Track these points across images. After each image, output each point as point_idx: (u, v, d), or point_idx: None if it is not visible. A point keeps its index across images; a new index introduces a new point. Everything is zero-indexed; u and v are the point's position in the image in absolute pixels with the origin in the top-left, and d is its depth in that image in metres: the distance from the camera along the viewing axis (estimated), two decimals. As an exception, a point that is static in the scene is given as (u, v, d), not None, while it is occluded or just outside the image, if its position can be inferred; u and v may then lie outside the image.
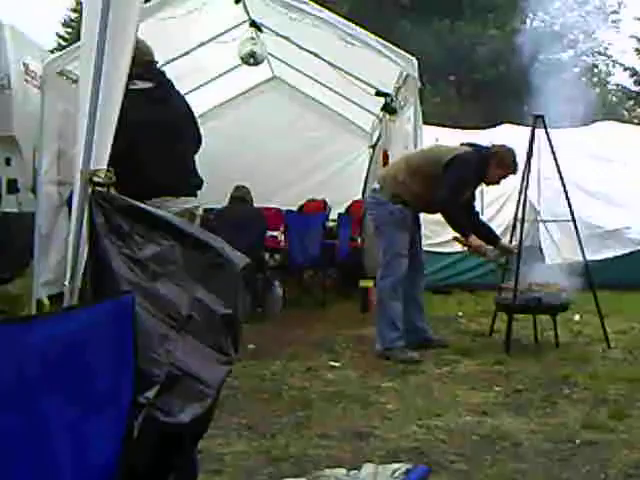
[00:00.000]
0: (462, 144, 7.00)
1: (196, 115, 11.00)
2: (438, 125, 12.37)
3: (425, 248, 9.28)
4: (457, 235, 6.86)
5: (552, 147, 7.24)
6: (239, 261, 3.21)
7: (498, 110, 20.26)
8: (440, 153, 6.88)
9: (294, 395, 5.39)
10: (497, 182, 7.01)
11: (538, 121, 7.32)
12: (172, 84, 5.75)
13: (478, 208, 7.48)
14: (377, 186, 7.00)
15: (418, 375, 5.97)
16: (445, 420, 4.82)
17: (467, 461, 4.08)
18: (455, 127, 12.73)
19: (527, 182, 7.31)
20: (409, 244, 6.74)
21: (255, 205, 10.44)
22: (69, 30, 30.53)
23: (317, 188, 11.68)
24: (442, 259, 10.33)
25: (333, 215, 11.15)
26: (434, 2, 23.28)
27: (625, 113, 27.17)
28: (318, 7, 7.83)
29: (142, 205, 3.26)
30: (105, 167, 3.23)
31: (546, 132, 7.25)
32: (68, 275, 3.20)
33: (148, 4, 7.78)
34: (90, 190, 3.14)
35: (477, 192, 7.35)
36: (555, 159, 7.26)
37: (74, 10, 31.17)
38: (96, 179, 3.16)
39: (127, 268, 3.03)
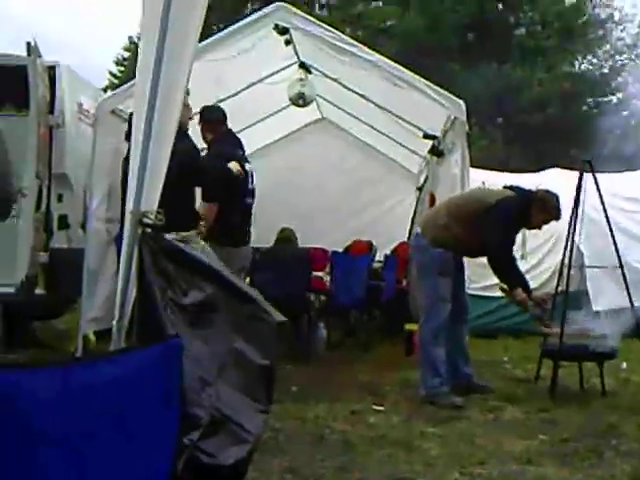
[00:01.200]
0: (505, 187, 6.97)
1: (246, 154, 11.24)
2: (485, 168, 12.31)
3: (470, 292, 9.24)
4: (504, 286, 6.80)
5: (600, 192, 7.18)
6: (276, 316, 3.26)
7: (546, 153, 20.16)
8: (483, 196, 6.86)
9: (337, 439, 5.35)
10: (539, 227, 6.97)
11: (586, 166, 7.28)
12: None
13: (518, 254, 7.42)
14: (419, 230, 6.99)
15: (462, 421, 5.90)
16: (488, 468, 4.74)
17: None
18: (502, 170, 12.66)
19: (574, 227, 7.25)
20: (452, 289, 6.69)
21: (301, 246, 10.51)
22: (122, 69, 31.08)
23: (363, 229, 11.66)
24: (487, 303, 10.23)
25: (379, 257, 11.15)
26: (483, 45, 23.38)
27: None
28: (367, 50, 7.90)
29: (188, 249, 3.30)
30: (155, 208, 3.27)
31: (594, 177, 7.20)
32: (116, 313, 3.23)
33: (199, 45, 7.91)
34: (140, 231, 3.18)
35: (518, 237, 7.29)
36: (602, 204, 7.20)
37: (127, 49, 31.76)
38: (146, 220, 3.20)
39: (171, 312, 3.06)
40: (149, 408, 2.08)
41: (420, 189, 11.77)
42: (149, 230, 3.18)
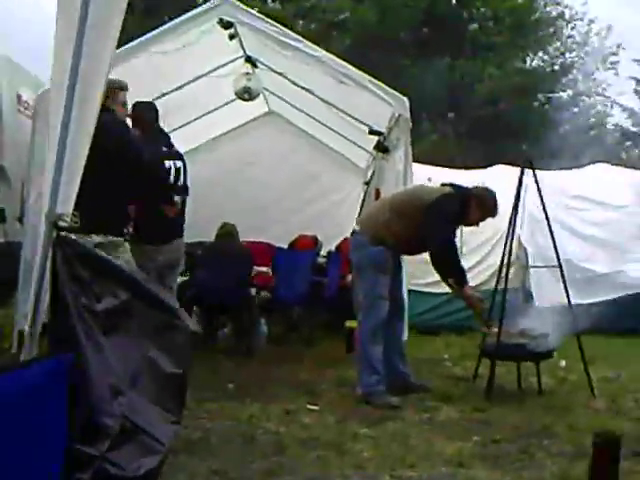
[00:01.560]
0: (443, 184, 6.98)
1: (191, 148, 11.10)
2: (434, 164, 12.35)
3: (413, 288, 9.32)
4: (451, 281, 6.77)
5: (539, 190, 7.21)
6: (192, 325, 3.22)
7: (496, 150, 20.27)
8: (422, 194, 6.85)
9: (269, 439, 5.31)
10: (476, 224, 6.99)
11: (527, 163, 7.30)
12: None
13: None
14: (357, 228, 6.97)
15: (396, 422, 5.88)
16: (419, 471, 4.74)
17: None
18: (451, 167, 12.69)
19: (514, 225, 7.26)
20: (390, 287, 6.67)
21: (246, 239, 10.44)
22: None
23: (309, 224, 11.60)
24: (430, 299, 10.28)
25: (324, 251, 11.13)
26: (435, 39, 23.41)
27: (624, 154, 27.22)
28: (312, 45, 7.86)
29: (104, 255, 3.23)
30: (71, 211, 3.19)
31: (534, 174, 7.21)
32: (29, 318, 3.16)
33: (142, 38, 7.81)
34: (55, 234, 3.11)
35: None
36: (542, 201, 7.22)
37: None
38: (61, 223, 3.12)
39: (83, 319, 2.99)
40: (32, 423, 2.01)
41: (367, 184, 11.73)
42: (64, 234, 3.11)
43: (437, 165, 12.42)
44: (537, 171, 7.27)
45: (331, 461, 4.88)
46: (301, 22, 21.91)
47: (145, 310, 3.26)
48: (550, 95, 25.36)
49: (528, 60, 26.45)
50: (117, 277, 3.18)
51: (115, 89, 5.91)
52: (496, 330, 6.85)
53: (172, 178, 7.40)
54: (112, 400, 2.97)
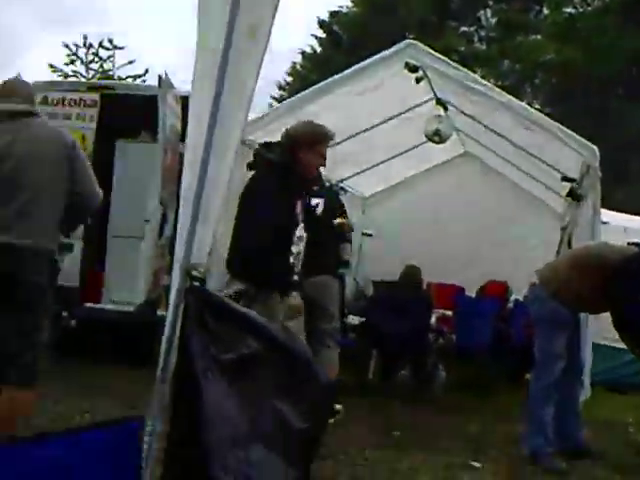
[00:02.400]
0: (629, 244, 6.57)
1: (387, 187, 11.18)
2: (636, 213, 11.71)
3: (603, 342, 8.87)
4: None
5: None
6: (325, 377, 3.15)
7: None
8: (607, 254, 6.44)
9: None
10: None
11: None
12: None
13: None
14: (537, 280, 6.69)
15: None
16: None
17: None
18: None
19: None
20: (567, 345, 6.36)
21: (436, 281, 10.37)
22: (283, 93, 31.51)
23: (502, 268, 11.32)
24: (621, 355, 9.71)
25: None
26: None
27: None
28: (499, 90, 7.73)
29: (235, 305, 3.26)
30: (204, 261, 3.25)
31: None
32: (160, 364, 3.22)
33: (331, 79, 7.96)
34: (188, 284, 3.17)
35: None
36: None
37: (290, 74, 32.28)
38: (194, 273, 3.18)
39: (209, 368, 3.02)
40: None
41: (564, 229, 11.32)
42: (196, 283, 3.17)
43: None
44: None
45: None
46: (506, 62, 21.56)
47: (275, 361, 3.24)
48: None
49: None
50: (247, 327, 3.19)
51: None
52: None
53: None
54: (229, 452, 2.97)
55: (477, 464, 6.03)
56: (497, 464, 6.12)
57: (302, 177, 5.36)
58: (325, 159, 5.48)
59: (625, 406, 8.98)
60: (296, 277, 5.39)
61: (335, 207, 7.89)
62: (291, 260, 5.26)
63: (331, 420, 5.40)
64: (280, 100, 29.83)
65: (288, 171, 5.23)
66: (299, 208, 5.33)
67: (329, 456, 5.63)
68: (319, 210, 7.05)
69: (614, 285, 6.14)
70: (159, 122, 7.92)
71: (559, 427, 6.34)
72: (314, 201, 6.98)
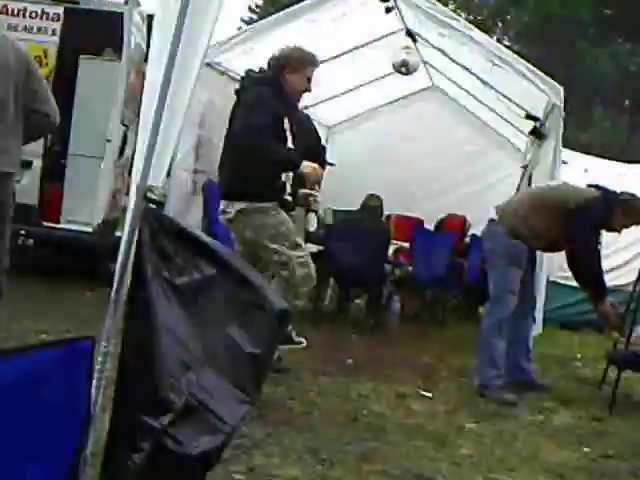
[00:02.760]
0: (589, 185, 6.62)
1: (352, 116, 11.14)
2: (600, 154, 11.81)
3: (558, 280, 9.00)
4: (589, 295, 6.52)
5: None
6: (278, 304, 3.14)
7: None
8: (567, 194, 6.50)
9: (371, 422, 5.25)
10: (618, 231, 6.62)
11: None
12: None
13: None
14: (495, 217, 6.74)
15: (507, 420, 5.68)
16: (515, 476, 4.57)
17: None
18: (617, 160, 12.04)
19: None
20: (521, 282, 6.44)
21: (394, 213, 10.40)
22: (254, 16, 31.01)
23: (461, 203, 11.40)
24: (573, 293, 9.86)
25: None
26: (618, 22, 22.27)
27: None
28: (468, 25, 7.67)
29: (190, 229, 3.25)
30: (161, 184, 3.23)
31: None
32: (114, 286, 3.21)
33: (297, 6, 7.86)
34: (143, 206, 3.15)
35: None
36: None
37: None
38: (150, 195, 3.16)
39: (162, 291, 3.02)
40: (46, 412, 2.03)
41: (525, 167, 11.38)
42: (152, 205, 3.15)
43: (604, 155, 11.89)
44: None
45: (428, 453, 4.78)
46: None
47: (228, 286, 3.24)
48: None
49: None
50: (201, 251, 3.18)
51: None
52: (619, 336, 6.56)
53: None
54: (180, 374, 2.99)
55: (428, 394, 6.14)
56: (447, 394, 6.24)
57: (289, 97, 5.58)
58: (310, 83, 5.66)
59: (575, 343, 9.16)
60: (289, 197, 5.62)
61: (312, 129, 8.00)
62: (282, 179, 5.53)
63: (288, 347, 5.47)
64: (249, 23, 29.39)
65: (278, 87, 5.46)
66: (287, 125, 5.50)
67: (282, 382, 5.71)
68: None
69: (571, 225, 6.23)
70: (124, 40, 7.76)
71: (510, 361, 6.47)
72: None
